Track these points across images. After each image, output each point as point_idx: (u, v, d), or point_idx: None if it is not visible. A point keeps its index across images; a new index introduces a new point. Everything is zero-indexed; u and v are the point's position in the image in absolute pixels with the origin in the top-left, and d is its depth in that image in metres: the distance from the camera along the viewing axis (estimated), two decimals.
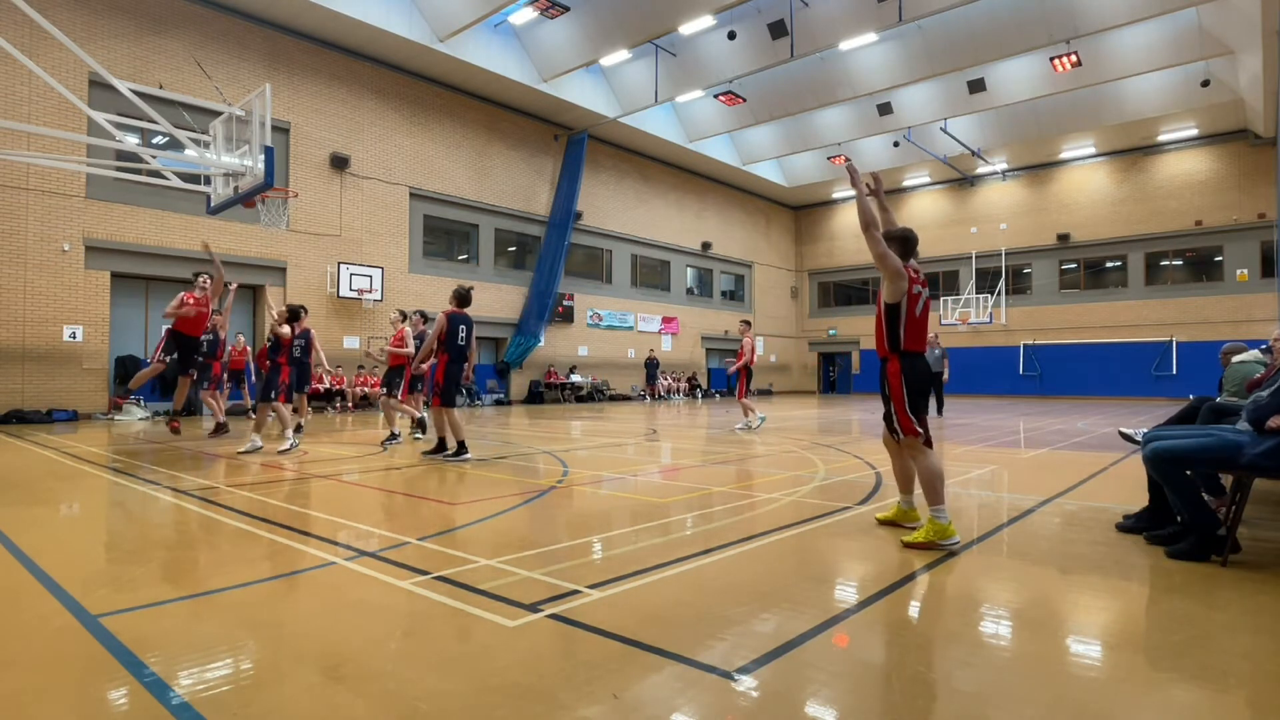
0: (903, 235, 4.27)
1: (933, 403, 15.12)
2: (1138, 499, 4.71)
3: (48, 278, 13.80)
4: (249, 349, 12.54)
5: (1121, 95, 22.59)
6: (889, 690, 2.26)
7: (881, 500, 5.34)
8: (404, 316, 9.95)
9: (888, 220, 4.51)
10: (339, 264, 17.77)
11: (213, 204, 9.32)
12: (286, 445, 8.13)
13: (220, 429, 10.17)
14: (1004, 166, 28.37)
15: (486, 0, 16.51)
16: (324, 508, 5.21)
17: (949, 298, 29.58)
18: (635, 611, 2.90)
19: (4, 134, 12.66)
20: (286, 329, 8.85)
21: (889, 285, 4.14)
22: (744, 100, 23.28)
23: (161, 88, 14.24)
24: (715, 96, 23.34)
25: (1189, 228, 25.13)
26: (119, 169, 10.52)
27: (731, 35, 19.22)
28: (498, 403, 21.50)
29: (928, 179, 30.43)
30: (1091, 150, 26.59)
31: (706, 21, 18.18)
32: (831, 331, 34.31)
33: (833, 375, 35.42)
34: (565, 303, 23.62)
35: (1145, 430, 4.62)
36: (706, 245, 29.72)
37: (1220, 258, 24.89)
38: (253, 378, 12.12)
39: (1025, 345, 28.25)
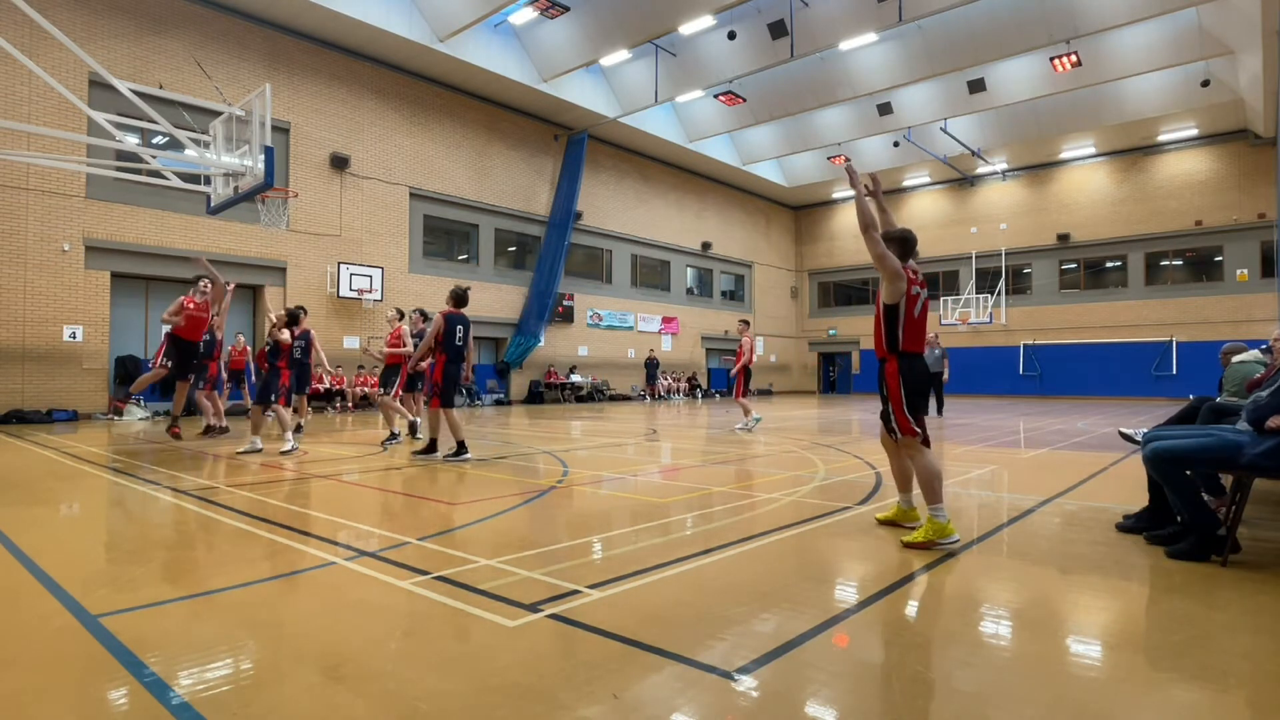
0: (901, 236, 4.27)
1: (933, 403, 15.13)
2: (1138, 499, 4.71)
3: (48, 278, 13.80)
4: (249, 349, 12.54)
5: (1121, 95, 22.59)
6: (889, 690, 2.26)
7: (881, 500, 5.34)
8: (401, 315, 9.94)
9: (886, 221, 4.52)
10: (339, 264, 17.77)
11: (213, 204, 9.31)
12: (287, 447, 8.12)
13: (209, 430, 10.14)
14: (1004, 166, 28.37)
15: (486, 0, 16.51)
16: (324, 508, 5.21)
17: (949, 298, 29.58)
18: (635, 611, 2.90)
19: (4, 134, 12.66)
20: (286, 334, 8.76)
21: (888, 286, 4.14)
22: (744, 100, 23.28)
23: (161, 88, 14.24)
24: (715, 96, 23.34)
25: (1189, 228, 25.13)
26: (119, 169, 10.52)
27: (731, 35, 19.23)
28: (498, 403, 21.50)
29: (928, 179, 30.44)
30: (1091, 150, 26.59)
31: (706, 21, 18.18)
32: (831, 331, 34.32)
33: (833, 375, 35.43)
34: (565, 303, 23.62)
35: (1145, 430, 4.62)
36: (706, 245, 29.72)
37: (1220, 258, 24.89)
38: (252, 377, 12.12)
39: (1025, 345, 28.25)
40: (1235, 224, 24.30)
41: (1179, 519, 3.93)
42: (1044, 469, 7.43)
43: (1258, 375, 4.87)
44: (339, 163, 17.96)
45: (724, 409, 19.33)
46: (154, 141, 14.39)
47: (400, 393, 9.79)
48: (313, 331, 10.57)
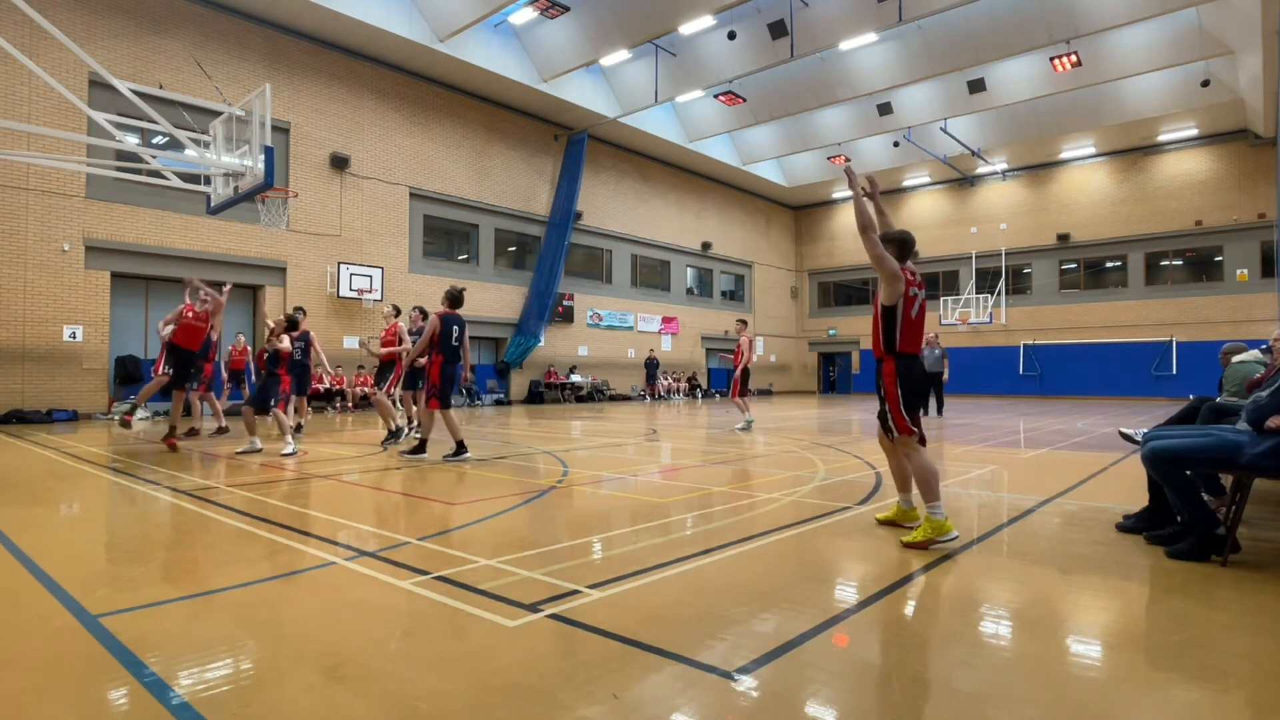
0: (900, 238, 4.27)
1: (933, 403, 15.12)
2: (1138, 499, 4.71)
3: (48, 278, 13.80)
4: (249, 349, 12.53)
5: (1121, 95, 22.59)
6: (889, 690, 2.26)
7: (881, 500, 5.34)
8: (397, 311, 9.92)
9: (884, 223, 4.52)
10: (339, 264, 17.77)
11: (213, 204, 9.31)
12: (288, 450, 8.10)
13: (192, 432, 10.11)
14: (1004, 166, 28.37)
15: (486, 0, 16.51)
16: (324, 508, 5.21)
17: (949, 298, 29.58)
18: (635, 611, 2.90)
19: (4, 134, 12.66)
20: (286, 342, 8.66)
21: (886, 288, 4.15)
22: (744, 100, 23.27)
23: (161, 88, 14.24)
24: (715, 96, 23.34)
25: (1189, 228, 25.13)
26: (119, 169, 10.52)
27: (731, 35, 19.22)
28: (498, 403, 21.49)
29: (928, 179, 30.43)
30: (1091, 150, 26.59)
31: (706, 21, 18.18)
32: (831, 331, 34.32)
33: (833, 375, 35.43)
34: (565, 303, 23.62)
35: (1145, 430, 4.62)
36: (706, 245, 29.72)
37: (1220, 258, 24.89)
38: (253, 377, 12.12)
39: (1025, 345, 28.25)
40: (1235, 224, 24.30)
41: (1179, 519, 3.93)
42: (1044, 469, 7.43)
43: (1258, 375, 4.87)
44: (339, 163, 17.96)
45: (724, 409, 19.33)
46: (154, 141, 14.40)
47: (394, 390, 9.74)
48: (312, 332, 10.57)
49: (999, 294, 28.74)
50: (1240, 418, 3.92)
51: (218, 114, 9.18)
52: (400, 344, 9.53)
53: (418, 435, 8.32)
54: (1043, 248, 28.25)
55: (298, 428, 10.09)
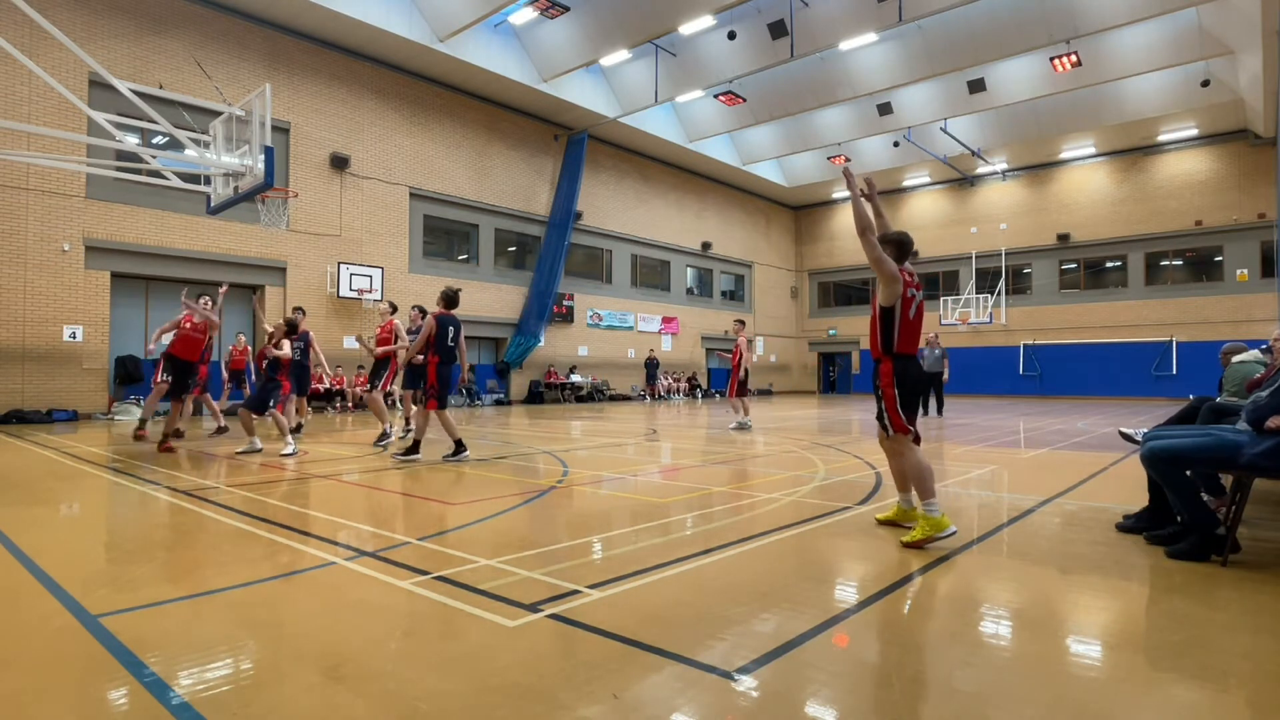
0: (898, 239, 4.28)
1: (933, 403, 15.11)
2: (1138, 499, 4.71)
3: (48, 278, 13.80)
4: (249, 349, 12.53)
5: (1121, 95, 22.59)
6: (889, 690, 2.26)
7: (881, 500, 5.34)
8: (394, 309, 9.91)
9: (882, 224, 4.52)
10: (339, 264, 17.77)
11: (213, 204, 9.31)
12: (288, 450, 8.09)
13: (178, 435, 10.04)
14: (1004, 166, 28.37)
15: (486, 0, 16.51)
16: (323, 508, 5.21)
17: (949, 298, 29.58)
18: (635, 611, 2.90)
19: (4, 134, 12.66)
20: (286, 348, 8.63)
21: (885, 289, 4.16)
22: (744, 100, 23.27)
23: (161, 88, 14.24)
24: (715, 96, 23.33)
25: (1189, 228, 25.13)
26: (119, 169, 10.52)
27: (731, 35, 19.22)
28: (498, 403, 21.49)
29: (927, 179, 30.43)
30: (1091, 150, 26.59)
31: (706, 21, 18.18)
32: (831, 331, 34.32)
33: (833, 375, 35.43)
34: (565, 303, 23.62)
35: (1145, 430, 4.62)
36: (706, 245, 29.72)
37: (1220, 258, 24.89)
38: (253, 376, 12.12)
39: (1025, 345, 28.25)
40: (1235, 224, 24.30)
41: (1179, 519, 3.93)
42: (1044, 469, 7.43)
43: (1258, 375, 4.87)
44: (339, 163, 17.96)
45: (724, 409, 19.33)
46: (154, 141, 14.39)
47: (391, 387, 9.71)
48: (311, 333, 10.56)
49: (999, 294, 28.74)
50: (1240, 418, 3.92)
51: (218, 114, 9.17)
52: (396, 341, 9.51)
53: (409, 435, 8.26)
54: (1043, 248, 28.24)
55: (297, 428, 10.09)
